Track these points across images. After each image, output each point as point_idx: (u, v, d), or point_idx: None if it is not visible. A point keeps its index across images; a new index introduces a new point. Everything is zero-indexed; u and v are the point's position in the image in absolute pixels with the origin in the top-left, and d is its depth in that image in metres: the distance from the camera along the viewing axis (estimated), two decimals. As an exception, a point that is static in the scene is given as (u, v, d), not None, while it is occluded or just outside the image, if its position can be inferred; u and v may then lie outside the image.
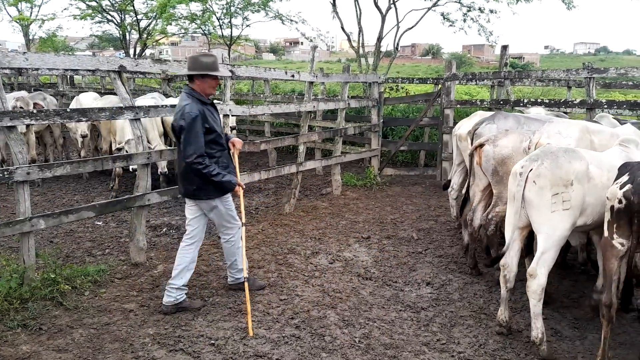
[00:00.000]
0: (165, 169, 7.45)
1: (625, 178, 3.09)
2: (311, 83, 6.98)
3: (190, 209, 4.11)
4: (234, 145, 4.17)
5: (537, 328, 3.40)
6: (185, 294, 4.07)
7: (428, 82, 9.51)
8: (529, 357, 3.40)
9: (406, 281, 4.70)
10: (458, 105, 8.03)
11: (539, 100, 6.78)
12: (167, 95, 9.21)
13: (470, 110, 10.06)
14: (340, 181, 7.96)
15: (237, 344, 3.56)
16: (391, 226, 6.33)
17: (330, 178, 8.14)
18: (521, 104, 6.85)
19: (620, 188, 3.05)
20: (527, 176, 3.39)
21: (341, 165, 8.20)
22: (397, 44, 12.82)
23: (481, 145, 4.51)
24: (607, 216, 3.14)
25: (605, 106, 6.18)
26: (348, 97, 8.60)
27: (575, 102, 6.49)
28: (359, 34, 13.89)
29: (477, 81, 8.33)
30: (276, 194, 7.95)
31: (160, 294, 4.29)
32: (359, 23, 14.45)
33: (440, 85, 8.16)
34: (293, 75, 6.69)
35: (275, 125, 11.49)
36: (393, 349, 3.51)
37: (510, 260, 3.60)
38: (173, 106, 5.34)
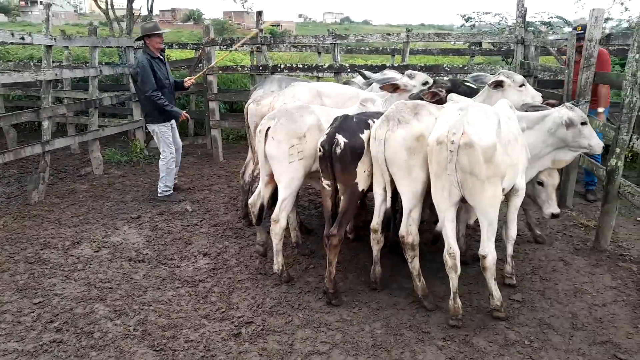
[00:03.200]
0: None
1: (327, 130, 3.60)
2: (49, 47, 6.00)
3: None
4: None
5: (278, 262, 3.95)
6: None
7: (188, 47, 9.16)
8: (302, 306, 3.65)
9: (182, 256, 4.54)
10: (220, 72, 7.96)
11: (294, 66, 7.18)
12: None
13: (233, 77, 10.15)
14: (101, 158, 7.20)
15: (-22, 368, 2.94)
16: (163, 202, 6.02)
17: (89, 156, 7.29)
18: (279, 70, 7.15)
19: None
20: (267, 133, 3.72)
21: (101, 141, 7.42)
22: (151, 7, 11.96)
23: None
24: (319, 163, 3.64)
25: (349, 70, 6.88)
26: (101, 63, 7.76)
27: (324, 66, 7.07)
28: (106, -7, 12.46)
29: (236, 48, 8.35)
30: (21, 181, 6.76)
31: None
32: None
33: (200, 51, 7.94)
34: (23, 38, 5.63)
35: (11, 98, 9.69)
36: (172, 329, 3.36)
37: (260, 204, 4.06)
38: None
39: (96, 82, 7.07)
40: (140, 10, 13.58)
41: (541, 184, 4.00)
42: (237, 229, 5.12)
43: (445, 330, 3.31)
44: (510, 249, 3.86)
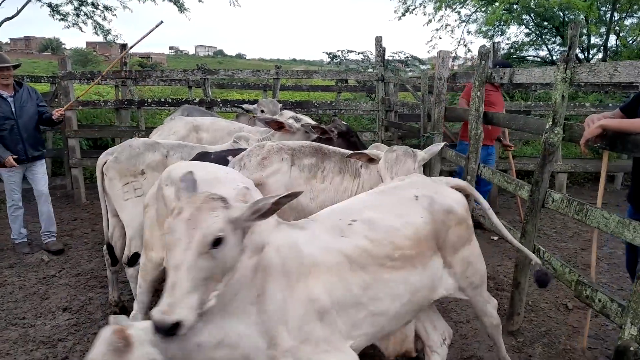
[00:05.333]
0: None
1: None
2: None
3: None
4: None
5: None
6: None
7: (42, 81, 8.40)
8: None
9: (37, 314, 4.03)
10: (80, 107, 7.41)
11: (162, 100, 6.94)
12: None
13: (96, 112, 9.50)
14: None
15: None
16: (13, 252, 5.34)
17: None
18: (146, 104, 6.85)
19: None
20: (102, 169, 3.58)
21: None
22: (-4, 36, 10.78)
23: None
24: None
25: (221, 104, 6.83)
26: None
27: (195, 101, 6.93)
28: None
29: (99, 80, 7.86)
30: None
31: None
32: None
33: (57, 85, 7.33)
34: None
35: None
36: (23, 402, 2.93)
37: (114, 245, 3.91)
38: None
39: None
40: (-17, 38, 12.14)
41: None
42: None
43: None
44: None
